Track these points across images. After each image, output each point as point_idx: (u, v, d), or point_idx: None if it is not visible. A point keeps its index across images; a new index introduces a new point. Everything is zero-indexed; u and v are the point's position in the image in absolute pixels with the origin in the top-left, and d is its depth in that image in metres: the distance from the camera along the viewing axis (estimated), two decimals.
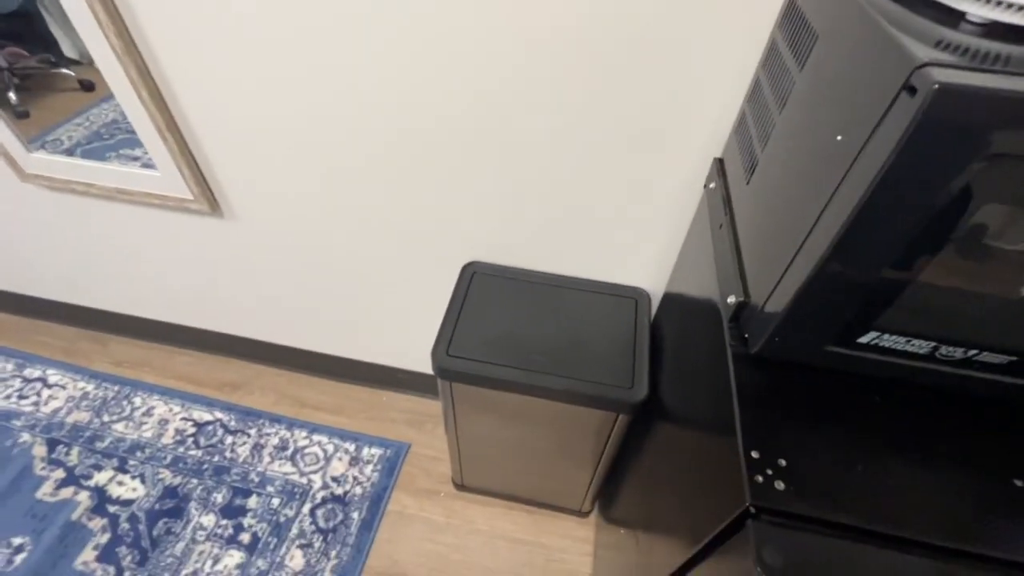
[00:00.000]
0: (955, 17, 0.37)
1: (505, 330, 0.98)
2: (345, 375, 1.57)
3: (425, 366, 1.45)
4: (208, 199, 1.09)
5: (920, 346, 0.44)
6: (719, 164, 0.73)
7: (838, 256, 0.38)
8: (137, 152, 1.09)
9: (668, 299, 0.94)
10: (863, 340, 0.45)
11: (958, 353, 0.44)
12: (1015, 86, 0.30)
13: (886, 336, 0.44)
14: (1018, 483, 0.45)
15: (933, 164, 0.32)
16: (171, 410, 1.51)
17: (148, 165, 1.07)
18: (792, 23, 0.54)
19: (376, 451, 1.44)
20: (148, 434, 1.45)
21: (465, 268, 1.08)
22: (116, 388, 1.56)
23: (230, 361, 1.64)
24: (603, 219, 0.95)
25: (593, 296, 1.04)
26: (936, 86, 0.30)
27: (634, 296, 1.03)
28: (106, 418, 1.48)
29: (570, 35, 0.71)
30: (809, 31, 0.49)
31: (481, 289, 1.05)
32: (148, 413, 1.50)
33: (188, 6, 0.80)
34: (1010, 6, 0.34)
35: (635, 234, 0.97)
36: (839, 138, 0.39)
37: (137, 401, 1.53)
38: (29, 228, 1.37)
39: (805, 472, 0.45)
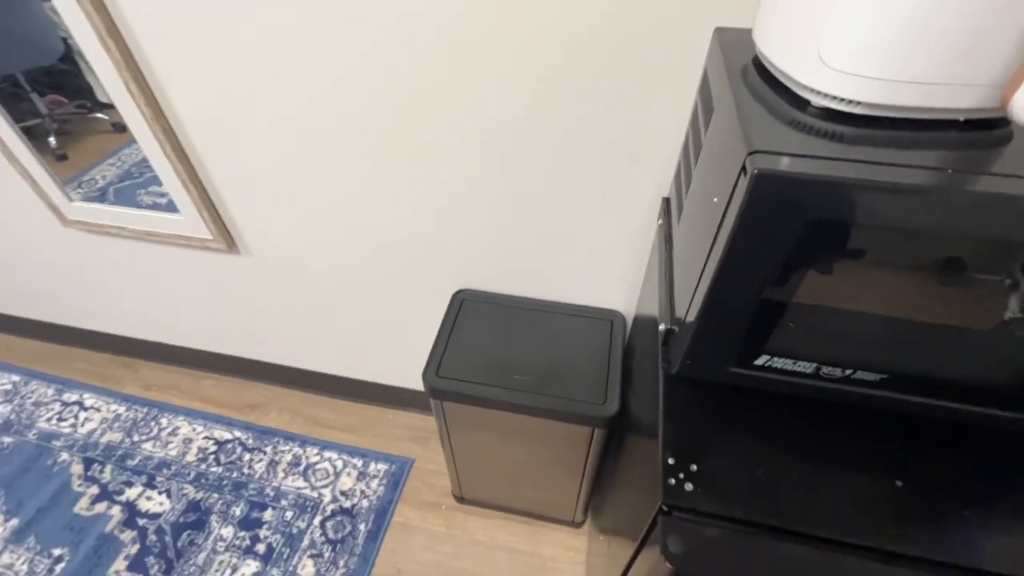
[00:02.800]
0: (803, 103, 0.46)
1: (490, 352, 1.07)
2: (355, 395, 1.68)
3: None
4: (226, 239, 1.22)
5: (805, 367, 0.52)
6: (665, 203, 0.82)
7: (716, 295, 0.47)
8: (163, 189, 1.21)
9: (636, 321, 1.02)
10: (758, 362, 0.53)
11: (837, 372, 0.51)
12: (822, 171, 0.39)
13: (776, 359, 0.52)
14: (899, 483, 0.52)
15: (768, 225, 0.41)
16: (195, 430, 1.63)
17: (171, 208, 1.20)
18: (704, 91, 0.63)
19: (382, 466, 1.53)
20: (174, 452, 1.57)
21: (455, 295, 1.18)
22: (145, 410, 1.69)
23: (251, 384, 1.76)
24: (580, 248, 1.05)
25: (573, 319, 1.13)
26: (756, 171, 0.39)
27: (610, 319, 1.12)
28: (136, 438, 1.61)
29: (558, 83, 0.81)
30: (710, 101, 0.58)
31: (469, 314, 1.14)
32: (174, 433, 1.63)
33: (212, 80, 0.93)
34: (836, 98, 0.43)
35: (608, 262, 1.05)
36: (715, 199, 0.48)
37: (164, 422, 1.66)
38: (69, 266, 1.52)
39: (713, 475, 0.53)
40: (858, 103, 0.43)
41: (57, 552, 1.36)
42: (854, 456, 0.54)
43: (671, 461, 0.53)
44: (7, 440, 1.60)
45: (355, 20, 0.80)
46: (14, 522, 1.41)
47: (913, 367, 0.50)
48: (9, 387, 1.75)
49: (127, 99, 0.97)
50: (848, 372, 0.51)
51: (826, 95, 0.44)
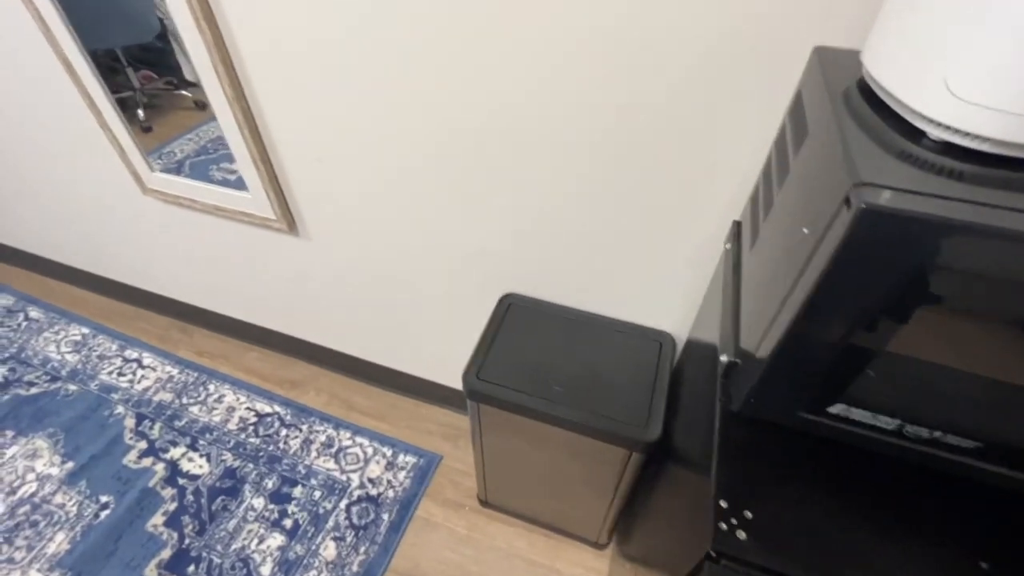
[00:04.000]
0: (918, 134, 0.42)
1: (533, 360, 1.05)
2: (392, 384, 1.70)
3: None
4: (288, 220, 1.26)
5: (887, 422, 0.47)
6: (736, 227, 0.77)
7: (797, 334, 0.43)
8: (233, 167, 1.26)
9: (689, 346, 0.98)
10: (833, 411, 0.49)
11: (924, 433, 0.46)
12: (940, 211, 0.35)
13: (854, 409, 0.48)
14: (984, 566, 0.46)
15: (867, 264, 0.37)
16: (238, 400, 1.70)
17: (240, 185, 1.25)
18: (796, 112, 0.59)
19: (411, 459, 1.54)
20: (217, 419, 1.64)
21: (503, 299, 1.16)
22: (196, 375, 1.77)
23: (294, 361, 1.82)
24: (635, 265, 1.01)
25: (621, 336, 1.10)
26: (863, 205, 0.35)
27: (659, 339, 1.08)
28: (185, 400, 1.69)
29: (621, 91, 0.79)
30: (804, 124, 0.54)
31: (515, 320, 1.13)
32: (219, 400, 1.70)
33: (291, 67, 0.96)
34: (960, 132, 0.39)
35: (663, 280, 1.01)
36: (805, 231, 0.44)
37: (211, 388, 1.73)
38: (143, 231, 1.61)
39: (771, 526, 0.49)
40: (986, 139, 0.38)
41: (104, 499, 1.44)
42: (934, 526, 0.48)
43: (724, 504, 0.50)
44: (72, 387, 1.71)
45: (449, 25, 0.81)
46: (69, 465, 1.51)
47: (1017, 439, 0.44)
48: (79, 338, 1.88)
49: (213, 79, 1.02)
50: (937, 434, 0.46)
51: (948, 128, 0.39)
